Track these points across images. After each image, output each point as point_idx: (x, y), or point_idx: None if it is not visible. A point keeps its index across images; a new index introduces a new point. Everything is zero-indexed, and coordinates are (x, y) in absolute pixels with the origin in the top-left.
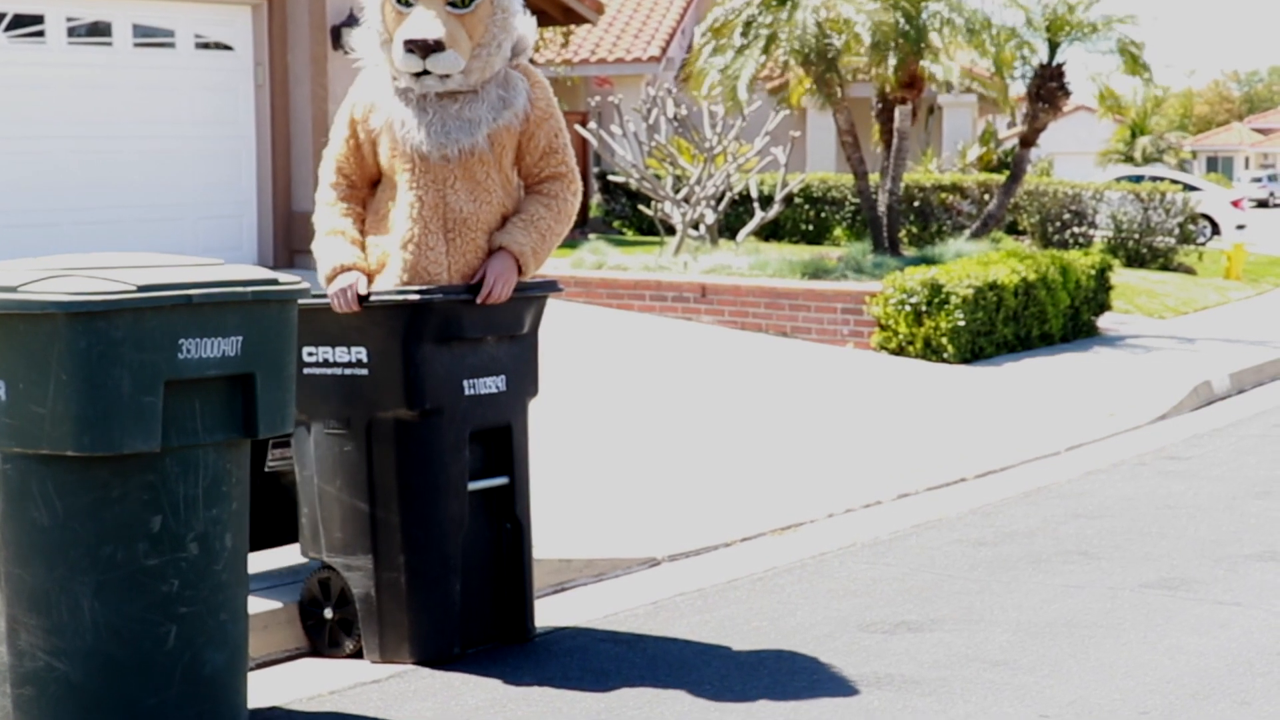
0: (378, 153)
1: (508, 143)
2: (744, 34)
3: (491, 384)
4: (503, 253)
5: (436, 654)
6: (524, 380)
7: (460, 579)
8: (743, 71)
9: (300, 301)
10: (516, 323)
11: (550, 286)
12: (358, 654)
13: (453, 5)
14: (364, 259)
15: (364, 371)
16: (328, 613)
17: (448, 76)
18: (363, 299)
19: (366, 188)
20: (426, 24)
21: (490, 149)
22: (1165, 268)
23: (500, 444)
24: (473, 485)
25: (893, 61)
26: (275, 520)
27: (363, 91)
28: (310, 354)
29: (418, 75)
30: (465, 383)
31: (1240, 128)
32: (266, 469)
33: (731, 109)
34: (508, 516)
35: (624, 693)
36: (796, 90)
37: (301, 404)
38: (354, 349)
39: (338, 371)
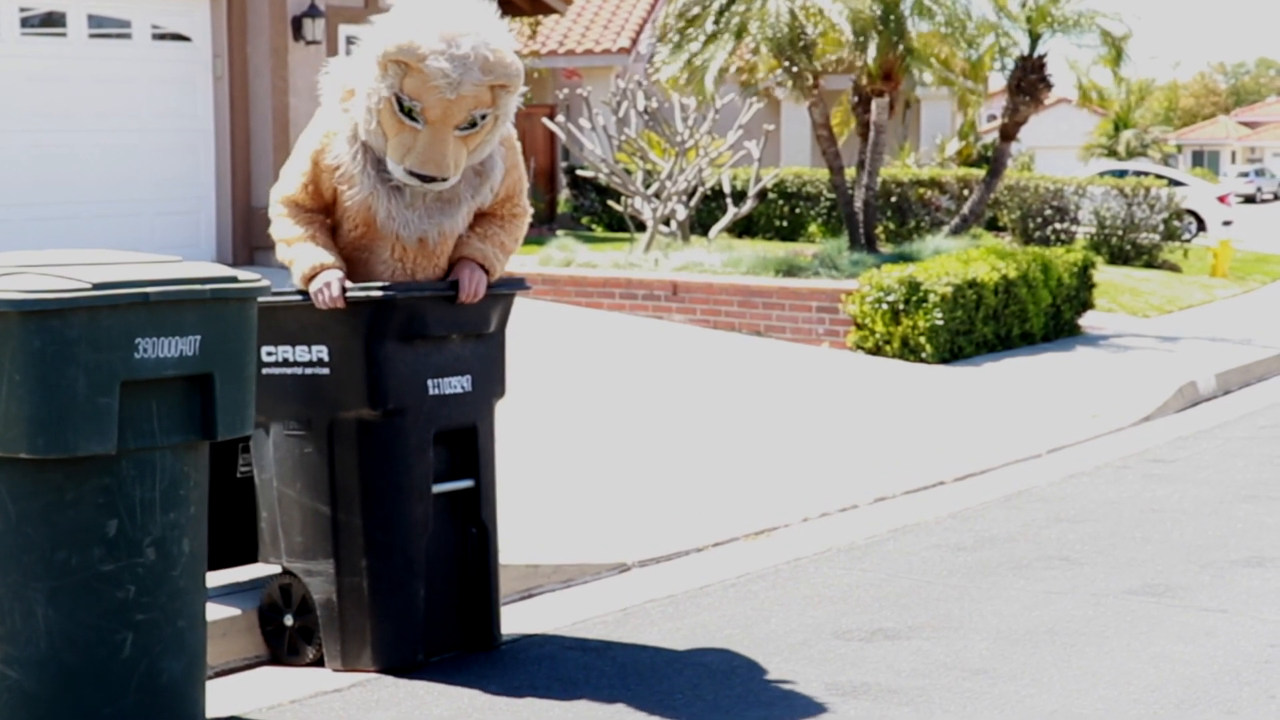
0: (341, 204)
1: (480, 207)
2: (716, 22)
3: (457, 384)
4: (468, 260)
5: (400, 662)
6: (490, 380)
7: (424, 584)
8: (711, 62)
9: (259, 300)
10: (483, 321)
11: (518, 284)
12: (319, 662)
13: (458, 127)
14: (341, 262)
15: (325, 371)
16: (288, 620)
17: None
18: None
19: (326, 215)
20: (439, 159)
21: (465, 223)
22: (1149, 265)
23: (466, 446)
24: (437, 488)
25: (871, 53)
26: (252, 532)
27: (335, 148)
28: (269, 354)
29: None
30: (430, 382)
31: (1226, 121)
32: (239, 475)
33: (700, 99)
34: (473, 520)
35: (593, 702)
36: (763, 71)
37: (260, 405)
38: (315, 348)
39: (298, 371)
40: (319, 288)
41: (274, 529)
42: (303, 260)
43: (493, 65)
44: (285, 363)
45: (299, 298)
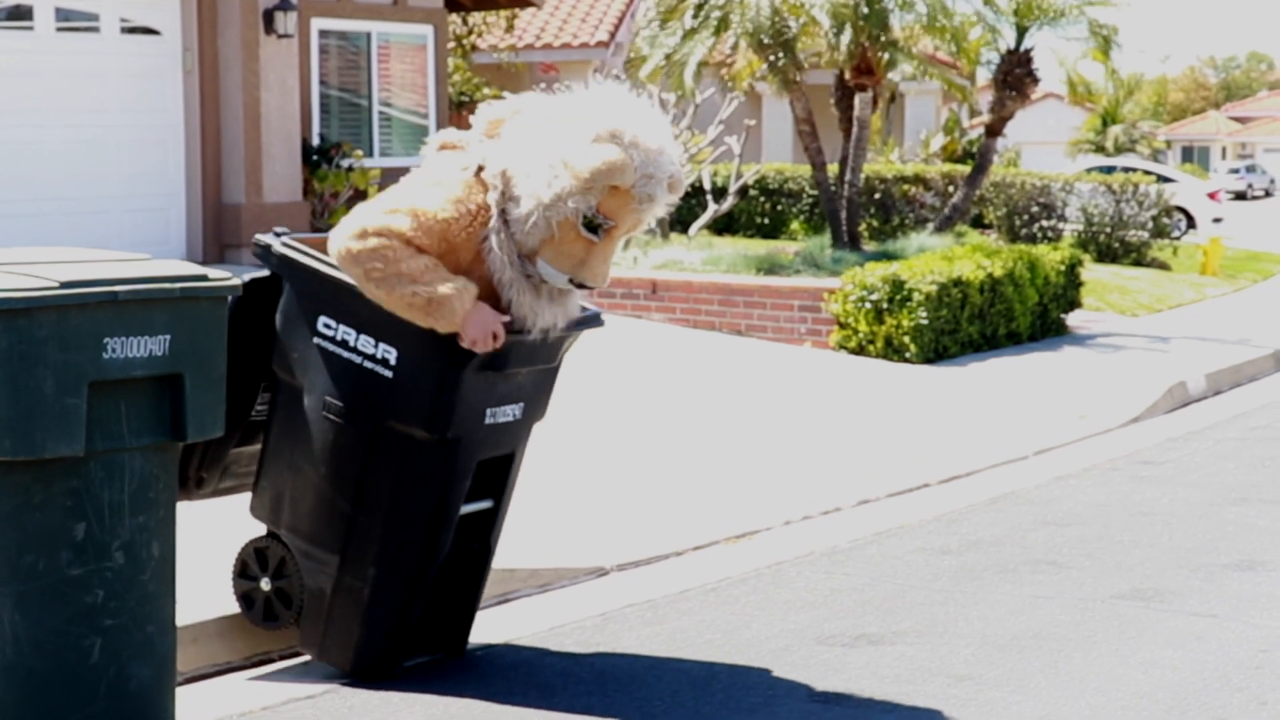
0: (458, 267)
1: None
2: (695, 15)
3: (511, 412)
4: None
5: (379, 674)
6: (538, 407)
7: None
8: (691, 56)
9: (328, 271)
10: (557, 355)
11: (595, 320)
12: (293, 629)
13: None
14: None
15: (387, 374)
16: (264, 584)
17: None
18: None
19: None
20: (606, 272)
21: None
22: (1138, 263)
23: (498, 469)
24: (461, 509)
25: (849, 44)
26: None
27: (471, 228)
28: (328, 326)
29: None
30: (488, 411)
31: (1217, 116)
32: (254, 417)
33: (679, 94)
34: (480, 538)
35: (570, 711)
36: (745, 72)
37: (301, 369)
38: (383, 345)
39: (355, 360)
40: (480, 335)
41: (279, 496)
42: (454, 300)
43: (678, 184)
44: (344, 345)
45: None
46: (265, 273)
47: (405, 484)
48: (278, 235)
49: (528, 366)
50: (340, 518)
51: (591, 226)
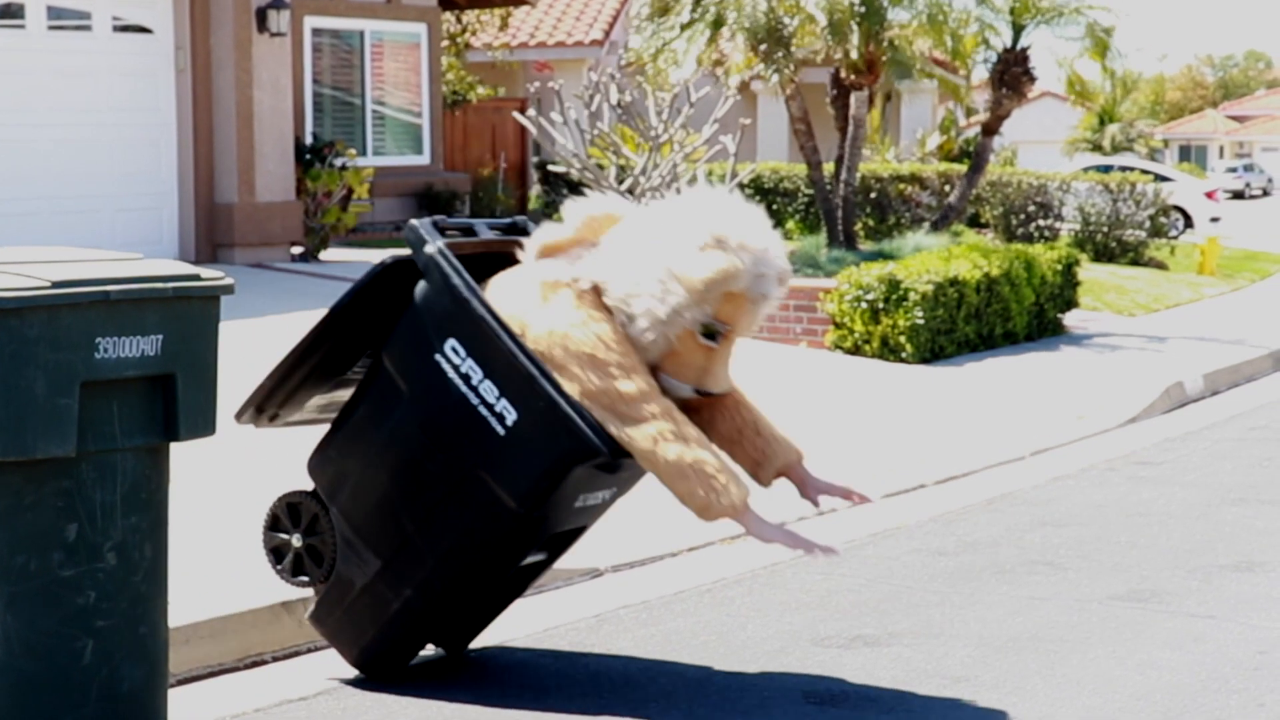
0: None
1: None
2: (692, 11)
3: (601, 496)
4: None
5: (380, 673)
6: (627, 488)
7: None
8: (687, 54)
9: (475, 304)
10: None
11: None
12: (325, 580)
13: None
14: None
15: (499, 429)
16: (295, 540)
17: None
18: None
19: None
20: (726, 375)
21: None
22: (1135, 263)
23: (566, 534)
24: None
25: (851, 42)
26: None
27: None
28: (455, 352)
29: None
30: (581, 495)
31: (1214, 115)
32: (349, 375)
33: (674, 92)
34: (524, 579)
35: (565, 712)
36: (740, 67)
37: (412, 375)
38: (505, 401)
39: (471, 399)
40: (791, 539)
41: (343, 475)
42: (736, 485)
43: (787, 277)
44: (465, 379)
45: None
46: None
47: (474, 535)
48: (437, 226)
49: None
50: (398, 531)
51: (710, 334)
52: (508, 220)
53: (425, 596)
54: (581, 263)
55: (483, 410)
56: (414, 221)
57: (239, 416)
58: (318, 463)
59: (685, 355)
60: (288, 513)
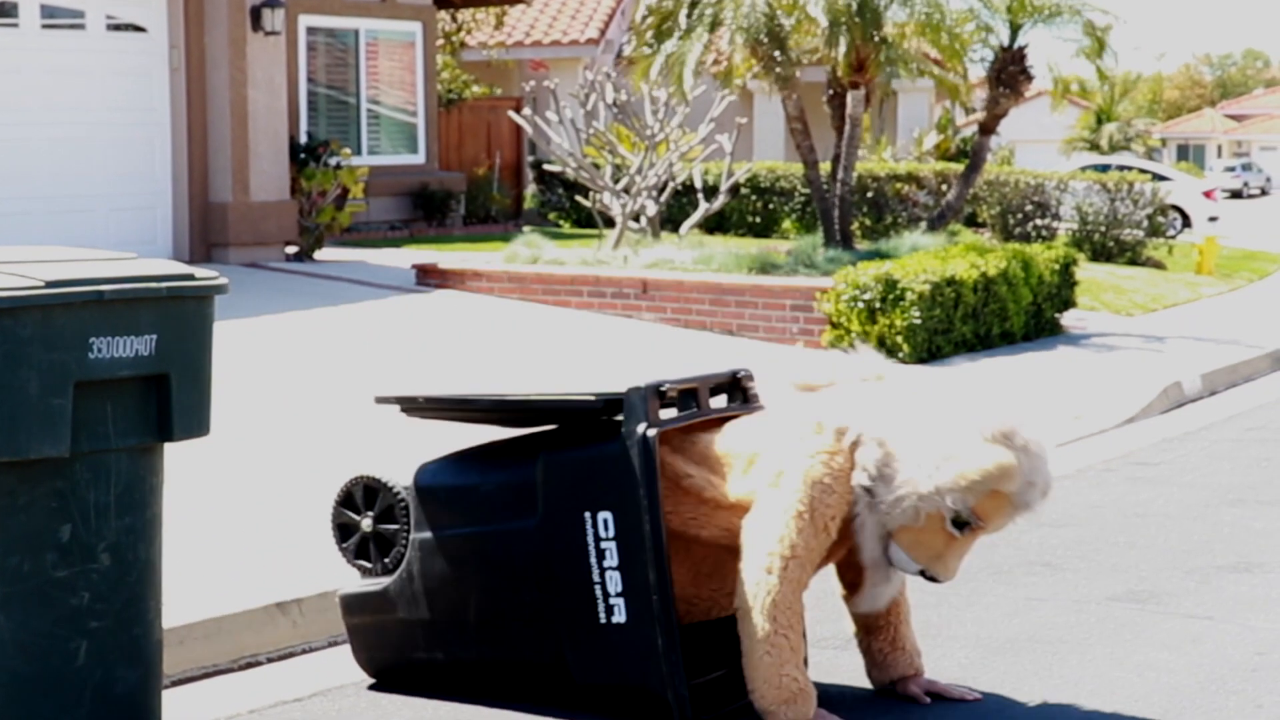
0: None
1: None
2: (689, 14)
3: None
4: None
5: (385, 678)
6: None
7: None
8: (688, 56)
9: (644, 509)
10: None
11: None
12: (385, 573)
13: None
14: None
15: (600, 616)
16: (365, 523)
17: None
18: None
19: None
20: (956, 569)
21: None
22: (1133, 262)
23: None
24: None
25: (844, 45)
26: None
27: (834, 509)
28: (604, 526)
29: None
30: None
31: (1212, 114)
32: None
33: (677, 94)
34: None
35: (560, 713)
36: (739, 70)
37: (555, 513)
38: (622, 601)
39: (594, 572)
40: None
41: (443, 514)
42: (807, 695)
43: (1049, 492)
44: (599, 553)
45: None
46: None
47: (520, 667)
48: (660, 393)
49: None
50: (460, 608)
51: (959, 524)
52: (728, 372)
53: (452, 666)
54: (859, 416)
55: (597, 590)
56: (639, 385)
57: (382, 400)
58: (428, 478)
59: (926, 536)
60: (364, 494)
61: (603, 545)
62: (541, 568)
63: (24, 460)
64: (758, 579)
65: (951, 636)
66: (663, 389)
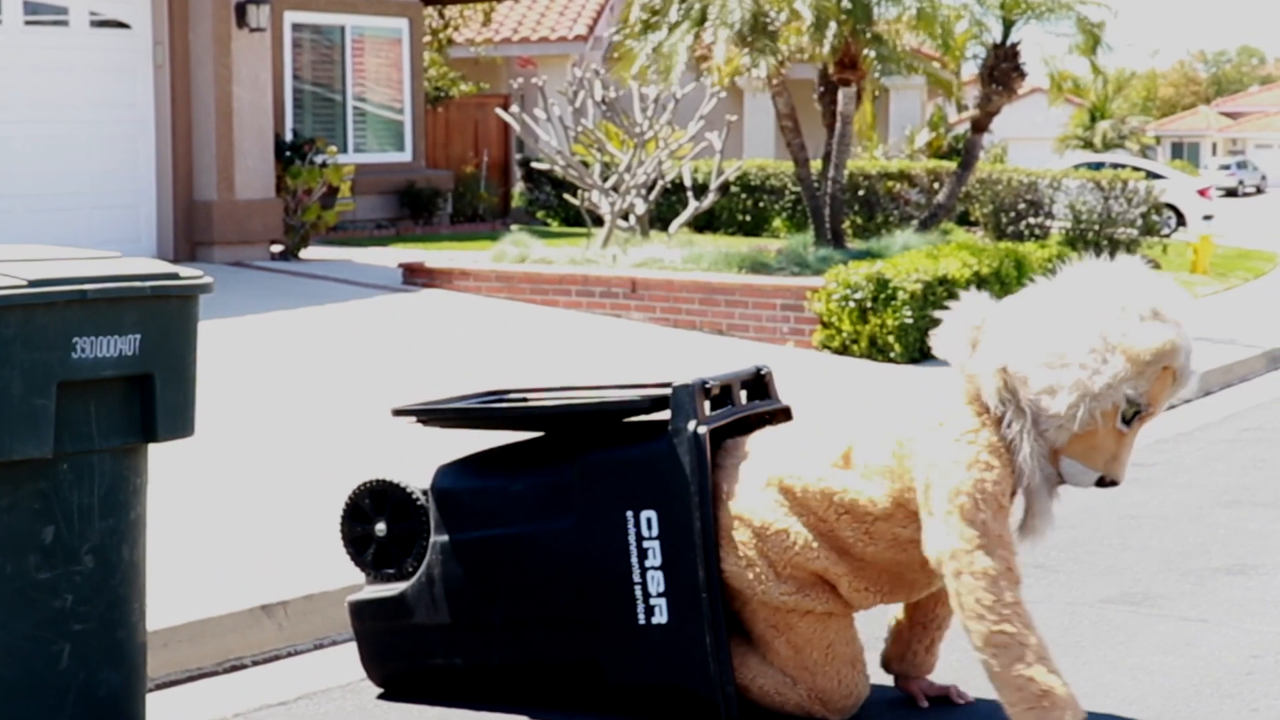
0: None
1: None
2: (678, 9)
3: None
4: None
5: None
6: None
7: None
8: (677, 51)
9: (694, 505)
10: None
11: None
12: (404, 577)
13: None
14: None
15: (640, 617)
16: (379, 528)
17: None
18: None
19: None
20: (1127, 464)
21: None
22: None
23: None
24: None
25: (832, 38)
26: None
27: (998, 462)
28: (647, 525)
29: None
30: None
31: (1207, 111)
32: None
33: (662, 81)
34: None
35: (556, 715)
36: (727, 69)
37: (597, 512)
38: (664, 602)
39: (634, 572)
40: None
41: (464, 515)
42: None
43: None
44: (640, 553)
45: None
46: (664, 395)
47: (547, 671)
48: (705, 390)
49: None
50: (486, 612)
51: (1127, 419)
52: (753, 369)
53: (472, 671)
54: (978, 355)
55: (637, 591)
56: (684, 382)
57: (398, 413)
58: (450, 481)
59: (1101, 439)
60: (371, 499)
61: (645, 545)
62: (576, 569)
63: (6, 461)
64: (966, 547)
65: (946, 638)
66: (707, 386)
